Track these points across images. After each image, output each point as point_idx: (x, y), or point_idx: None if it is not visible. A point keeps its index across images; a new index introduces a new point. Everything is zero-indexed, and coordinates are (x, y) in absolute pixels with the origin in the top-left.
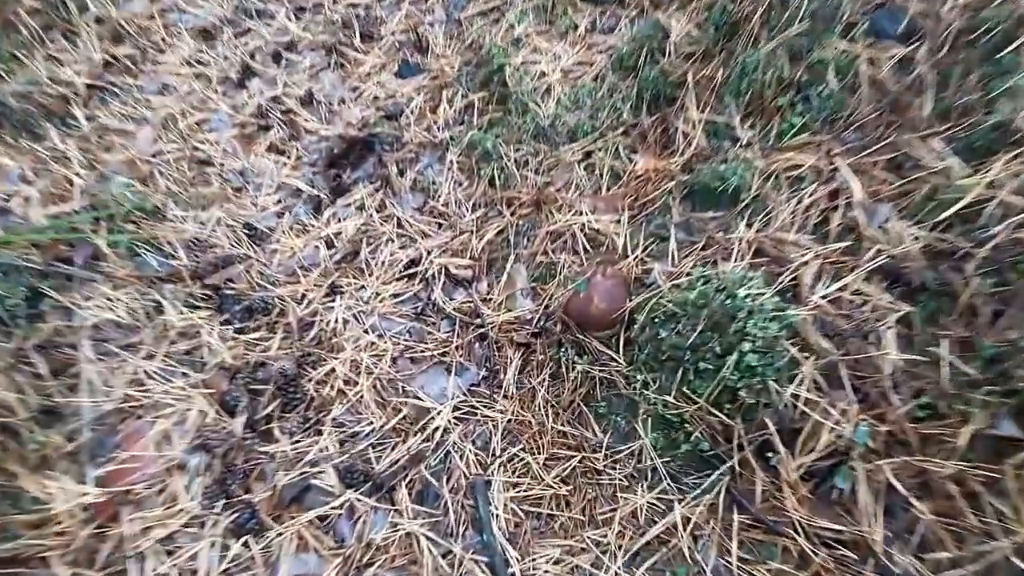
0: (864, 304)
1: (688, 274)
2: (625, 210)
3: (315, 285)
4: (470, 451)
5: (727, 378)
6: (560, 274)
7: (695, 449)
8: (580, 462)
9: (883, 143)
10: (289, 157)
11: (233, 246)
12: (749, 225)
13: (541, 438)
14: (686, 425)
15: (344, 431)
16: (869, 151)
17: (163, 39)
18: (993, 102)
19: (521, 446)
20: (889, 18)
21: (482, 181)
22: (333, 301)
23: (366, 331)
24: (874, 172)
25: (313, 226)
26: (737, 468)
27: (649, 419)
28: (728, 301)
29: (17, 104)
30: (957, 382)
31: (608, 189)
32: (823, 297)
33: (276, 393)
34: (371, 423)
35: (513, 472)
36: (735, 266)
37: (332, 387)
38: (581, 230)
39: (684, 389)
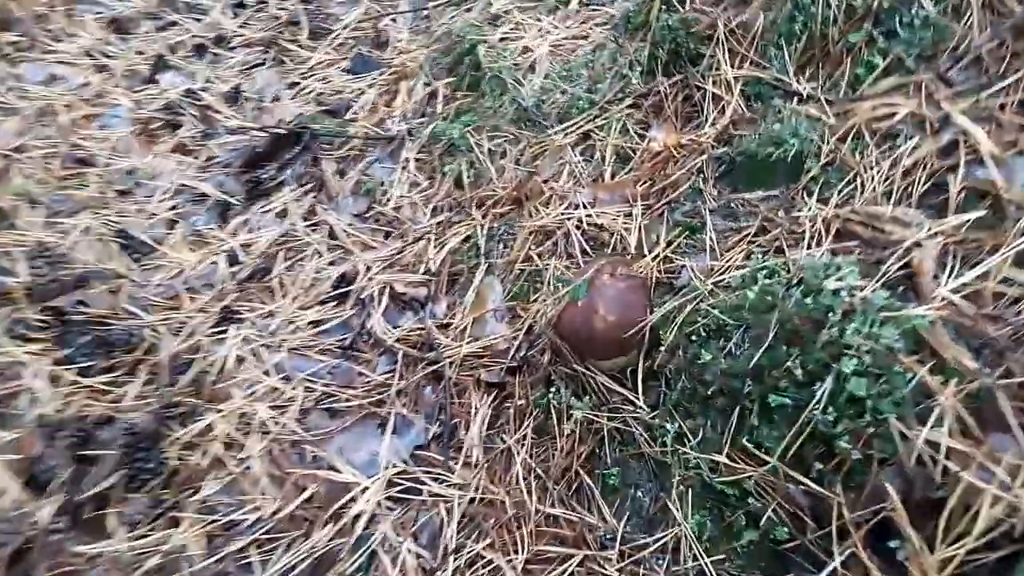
0: (1021, 300)
1: (740, 268)
2: (638, 199)
3: (202, 311)
4: (409, 551)
5: (817, 419)
6: (549, 284)
7: (766, 539)
8: (581, 565)
9: (1009, 80)
10: (198, 157)
11: (98, 260)
12: (823, 200)
13: (520, 528)
14: (750, 500)
15: (216, 520)
16: (991, 92)
17: (64, 29)
18: None
19: (488, 541)
20: None
21: (446, 180)
22: (225, 332)
23: (267, 372)
24: (1003, 117)
25: (215, 237)
26: (839, 568)
27: (689, 492)
28: (809, 300)
29: None
30: None
31: (614, 176)
32: (955, 291)
33: (121, 462)
34: (259, 508)
35: None
36: (811, 253)
37: (206, 453)
38: (578, 227)
39: (744, 441)
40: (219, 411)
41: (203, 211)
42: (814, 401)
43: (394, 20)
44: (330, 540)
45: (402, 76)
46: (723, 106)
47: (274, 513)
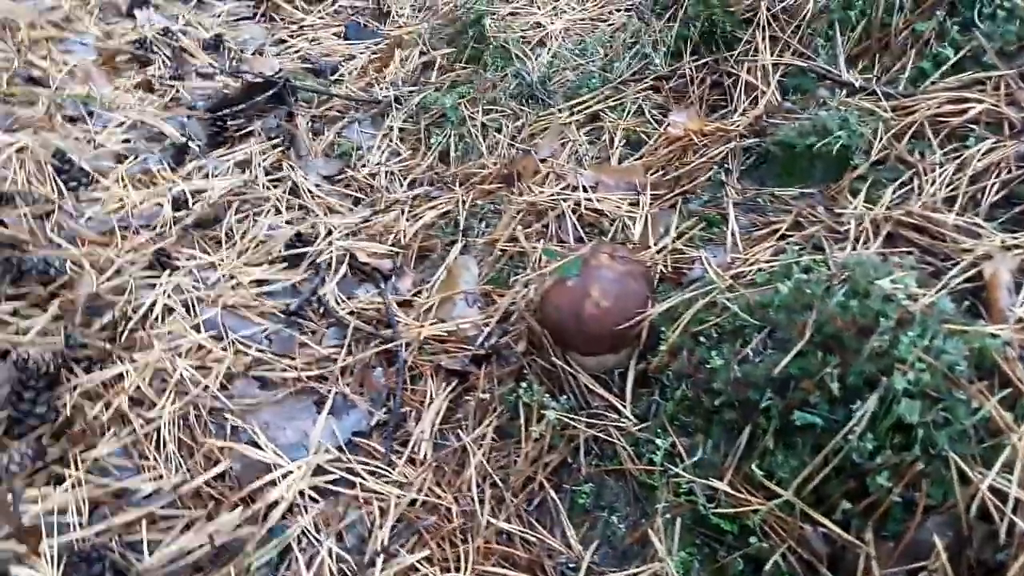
0: None
1: (768, 263)
2: (647, 187)
3: (135, 251)
4: (330, 551)
5: (851, 446)
6: (534, 262)
7: None
8: None
9: None
10: (163, 96)
11: (29, 182)
12: (871, 201)
13: (466, 542)
14: (752, 539)
15: (107, 484)
16: None
17: None
18: None
19: (426, 553)
20: None
21: (431, 153)
22: (157, 277)
23: (197, 327)
24: None
25: (165, 178)
26: None
27: (677, 522)
28: (855, 303)
29: None
30: None
31: (621, 161)
32: None
33: (7, 401)
34: (160, 477)
35: None
36: (858, 253)
37: (109, 406)
38: (574, 210)
39: (753, 467)
40: (133, 362)
41: (157, 151)
42: (851, 423)
43: None
44: (237, 527)
45: (398, 45)
46: (756, 96)
47: (177, 486)
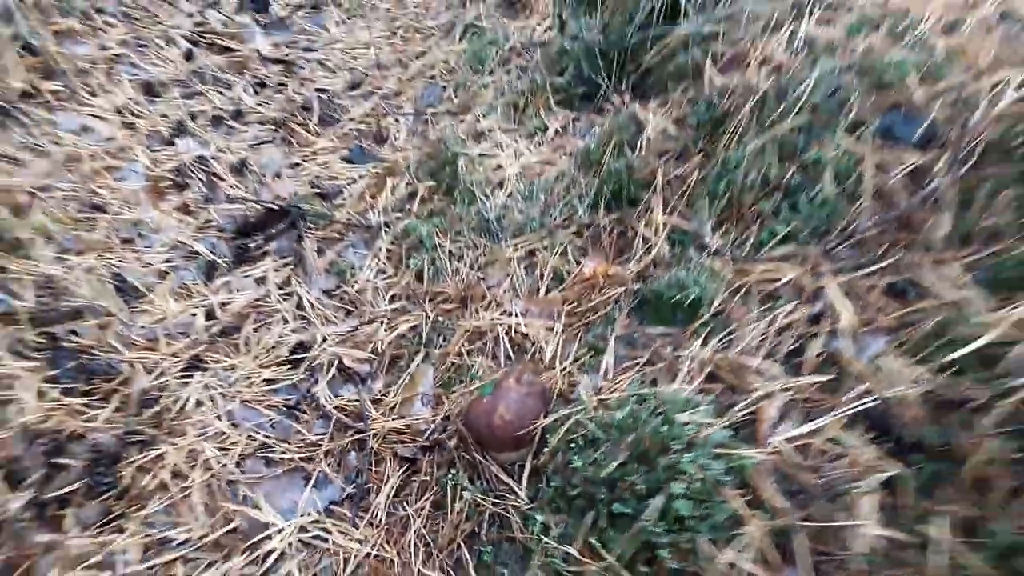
0: (840, 458)
1: (623, 391)
2: (562, 316)
3: (175, 356)
4: None
5: (649, 529)
6: (470, 379)
7: None
8: None
9: (884, 264)
10: (197, 218)
11: (94, 297)
12: (706, 344)
13: None
14: None
15: (153, 534)
16: (866, 272)
17: (101, 85)
18: None
19: None
20: (905, 121)
21: (408, 272)
22: (191, 377)
23: (219, 417)
24: (870, 297)
25: (199, 292)
26: None
27: None
28: (663, 427)
29: None
30: None
31: (548, 292)
32: (788, 440)
33: (83, 472)
34: (190, 530)
35: None
36: (679, 388)
37: (155, 477)
38: (507, 333)
39: (593, 539)
40: (173, 444)
41: (193, 267)
42: (647, 514)
43: (396, 120)
44: (243, 568)
45: (391, 172)
46: (650, 247)
47: (202, 537)
